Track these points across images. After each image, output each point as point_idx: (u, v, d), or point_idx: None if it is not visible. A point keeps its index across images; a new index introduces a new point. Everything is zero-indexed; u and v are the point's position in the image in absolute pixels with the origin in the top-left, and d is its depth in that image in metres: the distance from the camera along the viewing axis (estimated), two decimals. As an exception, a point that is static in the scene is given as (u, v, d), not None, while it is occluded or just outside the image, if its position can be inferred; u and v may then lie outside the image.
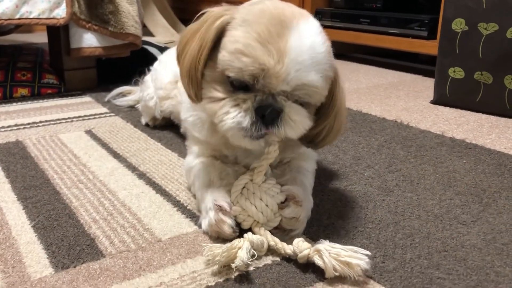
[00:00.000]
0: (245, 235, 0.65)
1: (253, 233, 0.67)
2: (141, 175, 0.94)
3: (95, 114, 1.36)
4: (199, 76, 0.70)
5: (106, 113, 1.37)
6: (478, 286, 0.61)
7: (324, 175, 0.94)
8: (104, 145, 1.11)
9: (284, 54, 0.62)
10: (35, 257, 0.66)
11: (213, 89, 0.68)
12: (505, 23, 1.31)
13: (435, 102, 1.51)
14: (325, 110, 0.73)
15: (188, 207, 0.81)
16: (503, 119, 1.36)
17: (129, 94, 1.44)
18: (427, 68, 2.06)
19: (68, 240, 0.71)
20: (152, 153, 1.07)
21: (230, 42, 0.65)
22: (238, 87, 0.66)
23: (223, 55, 0.66)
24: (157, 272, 0.63)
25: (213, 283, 0.61)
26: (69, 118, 1.31)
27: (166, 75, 1.12)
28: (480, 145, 1.13)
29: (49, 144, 1.11)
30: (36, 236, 0.72)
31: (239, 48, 0.63)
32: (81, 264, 0.65)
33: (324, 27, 2.04)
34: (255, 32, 0.63)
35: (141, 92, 1.26)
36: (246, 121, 0.65)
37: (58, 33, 1.55)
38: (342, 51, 2.46)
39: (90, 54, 1.53)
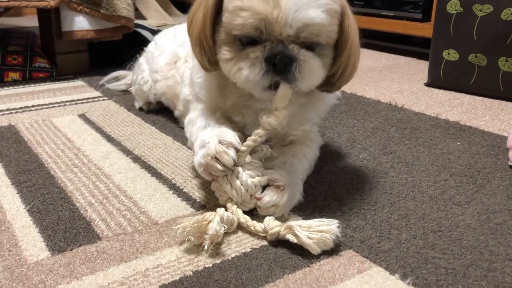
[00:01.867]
0: (217, 209, 0.67)
1: (226, 209, 0.69)
2: (136, 159, 0.94)
3: (88, 98, 1.34)
4: (210, 42, 0.71)
5: (99, 97, 1.36)
6: (473, 265, 0.62)
7: (319, 158, 0.94)
8: (98, 129, 1.10)
9: None
10: (31, 241, 0.66)
11: (224, 51, 0.70)
12: (499, 4, 1.30)
13: (429, 84, 1.51)
14: (339, 46, 0.71)
15: (184, 190, 0.81)
16: (497, 101, 1.37)
17: (123, 79, 1.43)
18: (421, 51, 2.05)
19: (64, 223, 0.70)
20: (147, 136, 1.06)
21: (229, 1, 0.67)
22: (247, 43, 0.67)
23: (226, 17, 0.68)
24: (154, 254, 0.63)
25: (211, 265, 0.61)
26: (61, 102, 1.30)
27: (162, 58, 1.11)
28: (474, 127, 1.14)
29: (42, 128, 1.10)
30: (31, 219, 0.71)
31: (237, 4, 0.65)
32: (78, 247, 0.65)
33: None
34: None
35: (135, 75, 1.25)
36: (256, 72, 0.66)
37: (49, 16, 1.53)
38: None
39: (82, 37, 1.51)
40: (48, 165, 0.90)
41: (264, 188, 0.72)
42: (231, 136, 0.71)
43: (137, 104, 1.25)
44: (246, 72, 0.67)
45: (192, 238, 0.64)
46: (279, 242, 0.66)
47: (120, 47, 1.66)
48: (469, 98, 1.40)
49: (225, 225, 0.65)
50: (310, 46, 0.67)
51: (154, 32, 1.86)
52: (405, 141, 1.04)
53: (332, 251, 0.64)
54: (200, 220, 0.64)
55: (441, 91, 1.47)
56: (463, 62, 1.41)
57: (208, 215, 0.65)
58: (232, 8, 0.66)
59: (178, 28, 1.19)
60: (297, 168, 0.77)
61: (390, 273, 0.60)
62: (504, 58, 1.32)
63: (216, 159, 0.69)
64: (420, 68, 1.78)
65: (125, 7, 1.51)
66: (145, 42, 1.71)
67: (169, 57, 1.10)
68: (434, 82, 1.50)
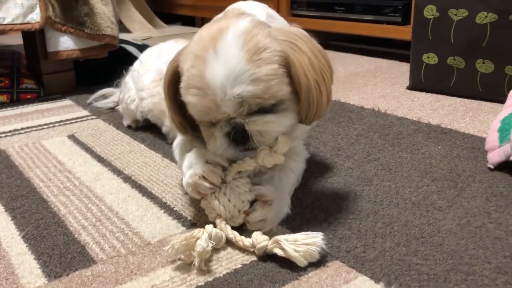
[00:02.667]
0: (206, 226, 0.70)
1: (215, 226, 0.72)
2: (127, 179, 0.96)
3: (77, 118, 1.36)
4: (181, 122, 0.77)
5: (88, 116, 1.38)
6: (453, 270, 0.65)
7: (306, 169, 0.97)
8: (88, 150, 1.12)
9: (206, 88, 0.66)
10: (27, 268, 0.68)
11: (200, 128, 0.75)
12: (473, 9, 1.34)
13: (411, 88, 1.55)
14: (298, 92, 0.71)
15: (174, 208, 0.83)
16: (476, 102, 1.40)
17: (111, 96, 1.45)
18: (402, 53, 2.09)
19: (59, 248, 0.72)
20: (136, 155, 1.08)
21: (181, 93, 0.71)
22: (207, 124, 0.72)
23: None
24: (148, 275, 0.65)
25: (203, 283, 0.63)
26: (50, 123, 1.32)
27: (148, 76, 1.14)
28: (455, 130, 1.17)
29: (32, 152, 1.11)
30: (26, 246, 0.73)
31: (184, 98, 0.70)
32: (74, 272, 0.67)
33: (300, 16, 2.09)
34: (186, 80, 0.69)
35: (122, 94, 1.27)
36: (222, 148, 0.71)
37: (33, 37, 1.54)
38: (319, 39, 2.49)
39: (68, 57, 1.52)
40: (41, 189, 0.92)
41: (252, 203, 0.75)
42: (217, 156, 0.74)
43: (125, 122, 1.27)
44: (215, 148, 0.72)
45: (182, 256, 0.67)
46: (268, 256, 0.69)
47: (106, 64, 1.68)
48: (450, 100, 1.43)
49: (213, 242, 0.68)
50: (265, 108, 0.68)
51: (140, 47, 1.89)
52: (388, 147, 1.07)
53: (319, 263, 0.67)
54: (188, 238, 0.67)
55: (423, 94, 1.51)
56: (442, 65, 1.44)
57: (197, 232, 0.68)
58: (185, 101, 0.70)
59: (162, 46, 1.21)
60: (284, 183, 0.79)
61: (375, 282, 0.63)
62: (481, 60, 1.36)
63: (204, 178, 0.72)
64: (402, 71, 1.81)
65: (109, 26, 1.53)
66: (130, 57, 1.74)
67: (154, 74, 1.12)
68: (415, 85, 1.53)
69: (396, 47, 2.23)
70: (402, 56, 2.05)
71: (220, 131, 0.70)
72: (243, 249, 0.70)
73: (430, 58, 1.47)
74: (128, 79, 1.26)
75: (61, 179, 0.96)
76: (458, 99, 1.43)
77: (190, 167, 0.74)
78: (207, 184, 0.72)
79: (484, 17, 1.32)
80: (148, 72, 1.15)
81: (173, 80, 0.73)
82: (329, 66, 0.74)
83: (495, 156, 0.94)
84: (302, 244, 0.66)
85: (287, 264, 0.66)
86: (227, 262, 0.68)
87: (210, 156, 0.73)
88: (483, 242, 0.71)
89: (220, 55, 0.66)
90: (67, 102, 1.53)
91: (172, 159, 1.04)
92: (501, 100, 1.14)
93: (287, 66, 0.68)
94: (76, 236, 0.76)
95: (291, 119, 0.73)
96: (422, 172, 0.95)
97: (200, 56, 0.67)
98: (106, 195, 0.89)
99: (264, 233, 0.70)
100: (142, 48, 1.85)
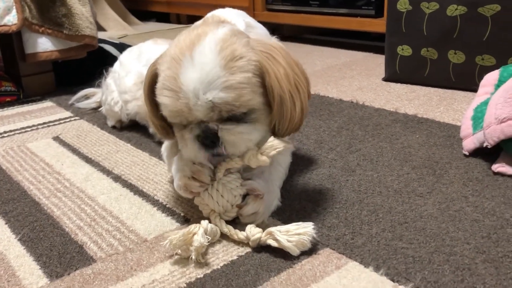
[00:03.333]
0: (201, 221, 0.72)
1: (210, 221, 0.75)
2: (117, 178, 0.97)
3: (60, 119, 1.36)
4: (162, 125, 0.78)
5: (71, 117, 1.38)
6: (436, 252, 0.69)
7: (292, 162, 1.00)
8: (75, 151, 1.13)
9: (179, 91, 0.67)
10: (27, 269, 0.70)
11: (174, 129, 0.76)
12: (444, 2, 1.39)
13: (386, 79, 1.60)
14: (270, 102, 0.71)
15: (167, 205, 0.86)
16: (450, 91, 1.46)
17: (93, 96, 1.45)
18: (377, 45, 2.15)
19: (57, 249, 0.74)
20: (124, 154, 1.10)
21: (156, 95, 0.72)
22: (180, 125, 0.73)
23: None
24: (148, 271, 0.68)
25: (202, 275, 0.66)
26: (33, 125, 1.32)
27: (129, 78, 1.15)
28: (430, 119, 1.22)
29: (18, 155, 1.11)
30: (24, 249, 0.75)
31: (157, 99, 0.71)
32: (74, 271, 0.69)
33: (276, 11, 2.14)
34: (161, 81, 0.70)
35: (104, 96, 1.27)
36: (191, 150, 0.73)
37: (10, 39, 1.53)
38: (294, 33, 2.52)
39: (47, 59, 1.52)
40: (31, 192, 0.93)
41: (244, 197, 0.78)
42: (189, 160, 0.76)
43: (110, 123, 1.28)
44: (185, 150, 0.74)
45: (180, 251, 0.69)
46: (262, 247, 0.72)
47: (85, 64, 1.68)
48: (425, 90, 1.49)
49: (209, 237, 0.71)
50: (236, 116, 0.69)
51: (117, 45, 1.89)
52: (368, 138, 1.12)
53: (311, 251, 0.70)
54: (185, 233, 0.69)
55: (398, 85, 1.56)
56: (416, 57, 1.50)
57: (193, 227, 0.70)
58: (158, 100, 0.72)
59: (142, 47, 1.23)
60: (274, 177, 0.83)
61: (365, 266, 0.67)
62: (453, 51, 1.42)
63: (193, 178, 0.74)
64: (377, 62, 1.86)
65: (88, 26, 1.53)
66: (109, 56, 1.74)
67: (135, 77, 1.14)
68: (391, 77, 1.58)
69: (371, 40, 2.29)
70: (376, 48, 2.10)
71: (190, 132, 0.71)
72: (237, 242, 0.73)
73: (404, 50, 1.52)
74: (110, 81, 1.26)
75: (51, 181, 0.97)
76: (433, 89, 1.49)
77: (178, 169, 0.76)
78: (197, 183, 0.74)
79: (454, 10, 1.38)
80: (129, 75, 1.17)
81: (153, 83, 0.74)
82: (305, 79, 0.75)
83: (469, 143, 1.00)
84: (294, 234, 0.69)
85: (280, 253, 0.70)
86: (224, 255, 0.71)
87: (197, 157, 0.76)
88: (462, 224, 0.75)
89: (196, 59, 0.67)
90: (48, 103, 1.52)
91: (160, 157, 1.06)
92: (473, 88, 1.19)
93: (262, 76, 0.69)
94: (73, 236, 0.77)
95: (262, 131, 0.73)
96: (402, 160, 0.99)
97: (176, 59, 0.69)
98: (98, 195, 0.91)
99: (257, 226, 0.74)
100: (119, 47, 1.86)
